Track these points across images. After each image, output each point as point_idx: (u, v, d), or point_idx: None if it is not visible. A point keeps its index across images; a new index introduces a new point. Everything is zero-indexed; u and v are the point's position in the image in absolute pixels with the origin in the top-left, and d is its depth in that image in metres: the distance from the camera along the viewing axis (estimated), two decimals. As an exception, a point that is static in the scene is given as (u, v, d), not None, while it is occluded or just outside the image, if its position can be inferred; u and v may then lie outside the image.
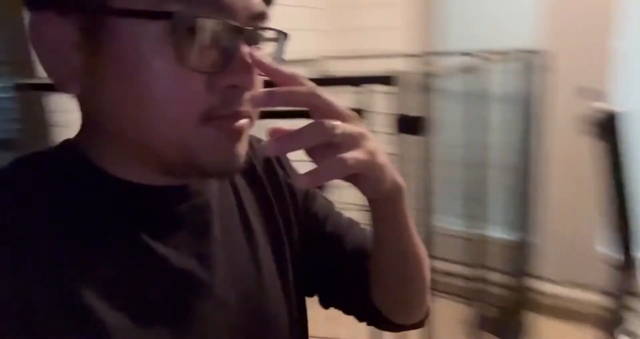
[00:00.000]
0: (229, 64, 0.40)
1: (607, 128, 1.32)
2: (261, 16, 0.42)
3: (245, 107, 0.42)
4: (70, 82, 0.41)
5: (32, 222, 0.40)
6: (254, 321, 0.50)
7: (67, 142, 0.46)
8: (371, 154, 0.41)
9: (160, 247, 0.44)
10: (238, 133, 0.42)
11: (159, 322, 0.43)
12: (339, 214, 0.63)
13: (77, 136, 0.46)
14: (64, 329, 0.39)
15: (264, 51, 0.45)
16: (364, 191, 0.45)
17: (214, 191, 0.51)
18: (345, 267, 0.58)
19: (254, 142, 0.56)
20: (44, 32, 0.40)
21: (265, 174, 0.58)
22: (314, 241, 0.59)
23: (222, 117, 0.41)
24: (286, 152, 0.39)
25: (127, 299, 0.42)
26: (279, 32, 0.45)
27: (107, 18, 0.38)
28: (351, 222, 0.62)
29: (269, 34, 0.45)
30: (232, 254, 0.50)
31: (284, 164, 0.60)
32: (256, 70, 0.41)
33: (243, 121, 0.42)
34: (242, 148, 0.43)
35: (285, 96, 0.40)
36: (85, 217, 0.42)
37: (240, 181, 0.55)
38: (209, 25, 0.39)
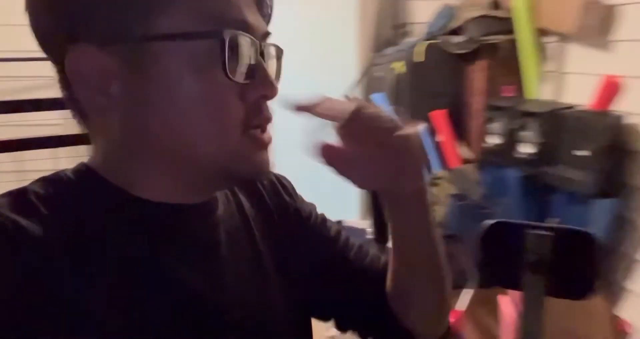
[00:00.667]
0: (256, 77, 0.44)
1: None
2: (268, 35, 0.47)
3: (272, 114, 0.46)
4: (108, 111, 0.42)
5: (49, 229, 0.40)
6: None
7: (83, 166, 0.46)
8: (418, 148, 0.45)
9: (172, 263, 0.45)
10: (269, 140, 0.46)
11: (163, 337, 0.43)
12: (349, 238, 0.62)
13: (93, 160, 0.46)
14: (61, 329, 0.39)
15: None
16: (401, 183, 0.46)
17: (222, 211, 0.51)
18: (361, 287, 0.58)
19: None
20: (81, 65, 0.41)
21: (271, 196, 0.58)
22: (327, 263, 0.58)
23: (256, 127, 0.45)
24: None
25: (132, 311, 0.42)
26: (281, 49, 0.49)
27: (150, 44, 0.41)
28: (362, 246, 0.61)
29: (273, 51, 0.49)
30: (239, 273, 0.50)
31: (290, 190, 0.61)
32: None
33: (270, 129, 0.46)
34: (271, 155, 0.47)
35: (332, 104, 0.44)
36: (101, 230, 0.43)
37: (245, 202, 0.55)
38: (243, 42, 0.42)
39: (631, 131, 1.48)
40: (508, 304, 1.52)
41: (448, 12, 2.10)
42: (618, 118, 1.48)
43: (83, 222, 0.43)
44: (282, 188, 0.60)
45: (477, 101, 1.99)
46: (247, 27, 0.43)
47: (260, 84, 0.44)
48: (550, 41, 1.85)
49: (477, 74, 1.97)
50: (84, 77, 0.41)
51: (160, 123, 0.42)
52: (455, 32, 2.01)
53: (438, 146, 2.03)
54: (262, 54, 0.44)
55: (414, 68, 2.01)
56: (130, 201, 0.45)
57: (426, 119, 2.00)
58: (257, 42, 0.44)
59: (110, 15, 0.40)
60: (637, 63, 1.48)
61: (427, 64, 2.00)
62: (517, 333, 0.87)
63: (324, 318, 0.61)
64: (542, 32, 1.84)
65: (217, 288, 0.48)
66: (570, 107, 1.64)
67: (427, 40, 2.05)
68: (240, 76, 0.42)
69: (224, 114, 0.43)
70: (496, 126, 1.82)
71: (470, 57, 1.97)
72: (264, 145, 0.46)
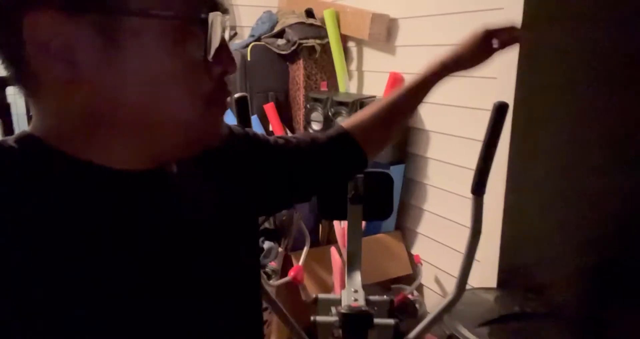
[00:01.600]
0: (220, 54, 0.45)
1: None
2: (227, 11, 0.48)
3: (230, 91, 0.49)
4: (71, 80, 0.41)
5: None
6: (217, 285, 0.54)
7: (27, 135, 0.45)
8: None
9: (133, 227, 0.46)
10: (226, 109, 0.50)
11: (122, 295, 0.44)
12: (287, 139, 0.74)
13: (39, 129, 0.45)
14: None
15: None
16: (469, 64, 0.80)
17: (181, 172, 0.53)
18: (325, 151, 0.74)
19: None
20: (44, 32, 0.39)
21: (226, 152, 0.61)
22: (293, 160, 0.71)
23: (217, 100, 0.47)
24: None
25: (93, 277, 0.42)
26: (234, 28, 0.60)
27: (129, 19, 0.40)
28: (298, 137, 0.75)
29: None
30: (199, 230, 0.52)
31: (257, 141, 0.69)
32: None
33: (224, 103, 0.49)
34: (223, 126, 0.52)
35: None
36: (56, 199, 0.42)
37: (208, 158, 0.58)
38: (216, 22, 0.44)
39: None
40: (335, 253, 1.90)
41: (269, 18, 2.41)
42: (402, 104, 1.97)
43: (29, 191, 0.41)
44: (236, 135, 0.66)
45: (299, 95, 2.35)
46: (217, 6, 0.45)
47: (223, 61, 0.46)
48: (352, 45, 2.31)
49: (298, 72, 2.33)
50: (45, 45, 0.39)
51: (135, 95, 0.42)
52: (278, 35, 2.33)
53: (270, 135, 2.33)
54: (224, 32, 0.46)
55: (246, 67, 2.27)
56: (87, 169, 0.44)
57: (261, 112, 2.29)
58: (226, 21, 0.46)
59: None
60: (413, 62, 1.99)
61: (256, 63, 2.29)
62: (343, 260, 1.20)
63: (306, 196, 0.76)
64: (346, 38, 2.28)
65: (177, 251, 0.49)
66: (372, 97, 2.10)
67: (254, 42, 2.33)
68: (210, 54, 0.44)
69: (195, 89, 0.45)
70: (316, 114, 2.20)
71: (291, 57, 2.32)
72: (222, 117, 0.50)
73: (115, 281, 0.43)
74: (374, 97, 2.11)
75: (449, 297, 0.99)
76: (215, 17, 0.44)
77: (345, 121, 0.79)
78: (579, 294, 1.92)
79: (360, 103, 2.04)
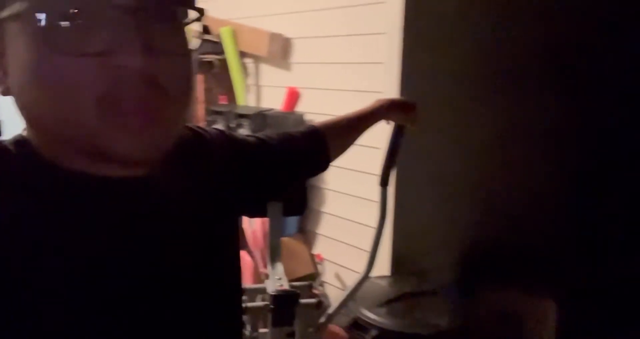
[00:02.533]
0: (118, 46, 0.38)
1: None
2: (140, 3, 0.39)
3: (145, 91, 0.40)
4: (6, 90, 0.43)
5: None
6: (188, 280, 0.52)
7: (20, 136, 0.46)
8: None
9: (102, 231, 0.45)
10: (139, 119, 0.40)
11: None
12: (265, 138, 0.75)
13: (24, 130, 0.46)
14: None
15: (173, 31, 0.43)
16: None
17: (160, 179, 0.50)
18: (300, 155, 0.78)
19: (206, 133, 0.62)
20: None
21: (217, 151, 0.61)
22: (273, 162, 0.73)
23: (119, 101, 0.39)
24: None
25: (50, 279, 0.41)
26: (190, 8, 0.44)
27: (7, 26, 0.40)
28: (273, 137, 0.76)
29: (188, 13, 0.44)
30: (180, 232, 0.51)
31: (235, 141, 0.68)
32: (158, 52, 0.40)
33: (142, 106, 0.40)
34: (151, 135, 0.41)
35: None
36: (29, 203, 0.42)
37: (194, 162, 0.57)
38: (86, 13, 0.38)
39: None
40: (245, 255, 2.00)
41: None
42: (301, 116, 2.16)
43: (14, 195, 0.42)
44: (220, 141, 0.64)
45: (199, 108, 2.42)
46: None
47: (116, 54, 0.38)
48: (249, 61, 2.45)
49: (198, 86, 2.40)
50: None
51: (25, 100, 0.41)
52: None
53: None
54: (129, 21, 0.38)
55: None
56: (59, 172, 0.44)
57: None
58: (110, 11, 0.38)
59: None
60: (307, 78, 2.18)
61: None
62: (255, 260, 1.31)
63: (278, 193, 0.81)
64: (244, 54, 2.41)
65: (153, 254, 0.48)
66: (270, 109, 2.26)
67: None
68: (84, 48, 0.38)
69: (72, 89, 0.39)
70: (218, 126, 2.29)
71: (189, 71, 2.38)
72: (125, 126, 0.40)
73: (87, 284, 0.42)
74: (273, 109, 2.26)
75: (361, 274, 1.16)
76: (77, 8, 0.38)
77: (317, 123, 0.85)
78: (458, 276, 2.24)
79: (262, 115, 2.18)
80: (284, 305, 1.07)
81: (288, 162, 0.76)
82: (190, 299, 0.51)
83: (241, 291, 0.62)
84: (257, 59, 2.40)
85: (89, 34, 0.39)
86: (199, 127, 0.63)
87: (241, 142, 0.69)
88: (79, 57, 0.38)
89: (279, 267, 1.25)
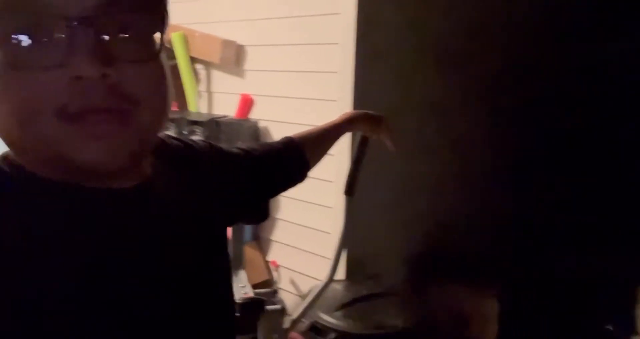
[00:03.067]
0: (76, 57, 0.38)
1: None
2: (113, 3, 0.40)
3: (108, 100, 0.40)
4: None
5: None
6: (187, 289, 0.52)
7: (4, 154, 0.45)
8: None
9: (87, 241, 0.44)
10: (100, 128, 0.40)
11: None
12: (249, 149, 0.77)
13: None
14: None
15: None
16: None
17: (154, 188, 0.50)
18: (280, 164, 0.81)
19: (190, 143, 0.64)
20: None
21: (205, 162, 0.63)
22: (257, 172, 0.75)
23: (80, 113, 0.39)
24: None
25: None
26: (152, 15, 0.44)
27: None
28: (256, 149, 0.79)
29: (142, 21, 0.43)
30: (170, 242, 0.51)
31: (221, 152, 0.70)
32: (120, 60, 0.40)
33: (102, 117, 0.40)
34: (119, 143, 0.41)
35: None
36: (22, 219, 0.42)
37: (185, 172, 0.58)
38: (27, 25, 0.38)
39: (264, 131, 2.19)
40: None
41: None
42: (255, 123, 2.17)
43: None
44: (211, 157, 0.67)
45: (148, 113, 2.36)
46: (46, 7, 0.38)
47: (73, 66, 0.38)
48: (201, 67, 2.42)
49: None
50: None
51: None
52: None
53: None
54: (83, 32, 0.38)
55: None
56: (43, 183, 0.44)
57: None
58: (66, 23, 0.38)
59: None
60: (261, 86, 2.20)
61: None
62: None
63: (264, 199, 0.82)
64: (196, 61, 2.39)
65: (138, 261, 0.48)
66: (224, 116, 2.25)
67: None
68: (36, 62, 0.39)
69: (26, 103, 0.39)
70: (170, 133, 2.25)
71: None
72: (89, 135, 0.40)
73: (77, 296, 0.42)
74: (227, 116, 2.26)
75: (325, 279, 1.19)
76: (29, 19, 0.38)
77: (293, 135, 0.89)
78: (408, 277, 2.33)
79: (215, 122, 2.16)
80: (250, 313, 1.08)
81: (271, 172, 0.79)
82: (182, 306, 0.51)
83: (233, 300, 0.63)
84: (208, 65, 2.39)
85: (48, 47, 0.39)
86: (187, 139, 0.65)
87: (227, 154, 0.72)
88: (39, 70, 0.39)
89: (242, 274, 1.26)
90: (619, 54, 2.84)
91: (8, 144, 0.43)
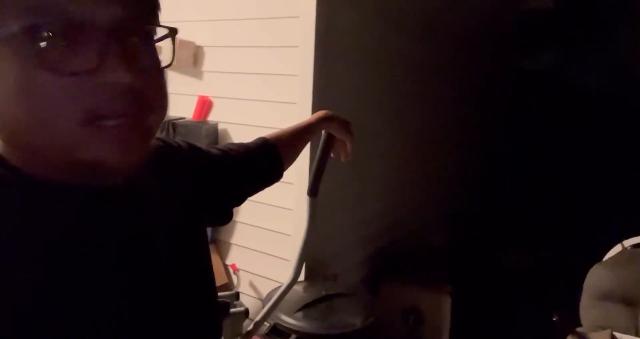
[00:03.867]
0: (102, 64, 0.40)
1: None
2: (130, 19, 0.42)
3: (132, 105, 0.42)
4: None
5: None
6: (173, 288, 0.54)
7: None
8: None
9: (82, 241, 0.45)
10: (119, 131, 0.42)
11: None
12: (228, 149, 0.79)
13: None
14: None
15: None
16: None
17: (140, 188, 0.51)
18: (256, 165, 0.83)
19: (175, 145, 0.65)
20: None
21: (188, 161, 0.65)
22: (235, 171, 0.77)
23: (105, 117, 0.41)
24: None
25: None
26: (164, 27, 0.46)
27: None
28: (233, 149, 0.81)
29: (160, 30, 0.46)
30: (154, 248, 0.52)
31: (200, 152, 0.71)
32: (141, 68, 0.42)
33: (123, 120, 0.42)
34: (134, 144, 0.44)
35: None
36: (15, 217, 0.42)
37: (171, 172, 0.59)
38: (71, 32, 0.40)
39: (223, 133, 2.17)
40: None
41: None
42: (214, 125, 2.15)
43: None
44: (189, 153, 0.69)
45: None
46: (79, 16, 0.40)
47: (104, 72, 0.41)
48: (157, 68, 2.36)
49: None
50: None
51: (9, 114, 0.42)
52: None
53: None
54: (113, 40, 0.41)
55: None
56: (34, 184, 0.44)
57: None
58: (95, 32, 0.41)
59: None
60: (220, 87, 2.18)
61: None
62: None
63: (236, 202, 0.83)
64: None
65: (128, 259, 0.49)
66: (181, 118, 2.21)
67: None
68: (69, 67, 0.40)
69: (54, 106, 0.41)
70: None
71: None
72: (112, 138, 0.42)
73: (65, 299, 0.43)
74: (184, 118, 2.22)
75: (288, 280, 1.20)
76: (68, 27, 0.40)
77: (267, 135, 0.90)
78: (363, 276, 2.37)
79: (172, 124, 2.13)
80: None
81: (249, 172, 0.81)
82: (172, 304, 0.53)
83: (216, 302, 0.64)
84: (165, 65, 2.34)
85: (78, 52, 0.40)
86: (167, 138, 0.66)
87: (206, 154, 0.73)
88: (67, 74, 0.40)
89: (205, 278, 1.25)
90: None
91: (14, 144, 0.44)
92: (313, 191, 1.07)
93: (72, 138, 0.41)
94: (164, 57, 0.47)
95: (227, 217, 0.84)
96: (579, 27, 3.04)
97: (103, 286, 0.46)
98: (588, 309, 1.83)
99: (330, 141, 1.02)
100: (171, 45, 0.48)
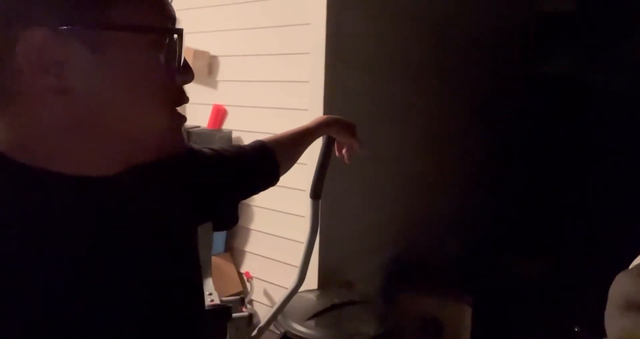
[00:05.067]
0: (181, 65, 0.50)
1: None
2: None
3: (188, 98, 0.53)
4: (54, 93, 0.43)
5: None
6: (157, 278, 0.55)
7: None
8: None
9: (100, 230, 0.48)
10: (185, 116, 0.53)
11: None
12: (223, 150, 0.81)
13: (4, 142, 0.46)
14: None
15: None
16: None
17: (134, 178, 0.54)
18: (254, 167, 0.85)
19: None
20: (37, 49, 0.42)
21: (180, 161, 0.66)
22: (230, 172, 0.78)
23: (177, 106, 0.52)
24: None
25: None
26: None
27: (113, 33, 0.44)
28: (226, 151, 0.82)
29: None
30: (146, 234, 0.54)
31: (194, 152, 0.73)
32: None
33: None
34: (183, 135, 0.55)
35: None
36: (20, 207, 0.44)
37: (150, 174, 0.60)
38: (180, 37, 0.48)
39: (237, 141, 2.19)
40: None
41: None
42: (228, 134, 2.16)
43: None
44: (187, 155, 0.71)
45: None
46: (174, 22, 0.50)
47: (184, 71, 0.50)
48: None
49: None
50: (38, 61, 0.42)
51: (115, 104, 0.46)
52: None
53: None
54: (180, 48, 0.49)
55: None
56: (47, 177, 0.46)
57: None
58: (181, 34, 0.49)
59: (68, 2, 0.43)
60: (234, 96, 2.20)
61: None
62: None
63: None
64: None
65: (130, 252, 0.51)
66: (196, 127, 2.24)
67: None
68: (180, 64, 0.49)
69: (166, 97, 0.49)
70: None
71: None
72: (182, 124, 0.53)
73: (67, 288, 0.44)
74: (199, 126, 2.25)
75: (292, 285, 1.19)
76: (179, 32, 0.48)
77: (265, 138, 0.90)
78: (380, 285, 2.33)
79: (187, 133, 2.15)
80: (218, 320, 1.07)
81: (242, 174, 0.80)
82: (163, 299, 0.54)
83: (200, 306, 0.64)
84: (181, 76, 2.38)
85: (175, 55, 0.49)
86: None
87: (200, 153, 0.74)
88: (171, 70, 0.49)
89: (209, 283, 1.24)
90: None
91: (114, 132, 0.48)
92: (315, 194, 1.06)
93: (163, 125, 0.50)
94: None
95: (229, 220, 0.84)
96: (595, 31, 2.97)
97: (98, 274, 0.47)
98: (613, 319, 1.75)
99: (330, 142, 1.01)
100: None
